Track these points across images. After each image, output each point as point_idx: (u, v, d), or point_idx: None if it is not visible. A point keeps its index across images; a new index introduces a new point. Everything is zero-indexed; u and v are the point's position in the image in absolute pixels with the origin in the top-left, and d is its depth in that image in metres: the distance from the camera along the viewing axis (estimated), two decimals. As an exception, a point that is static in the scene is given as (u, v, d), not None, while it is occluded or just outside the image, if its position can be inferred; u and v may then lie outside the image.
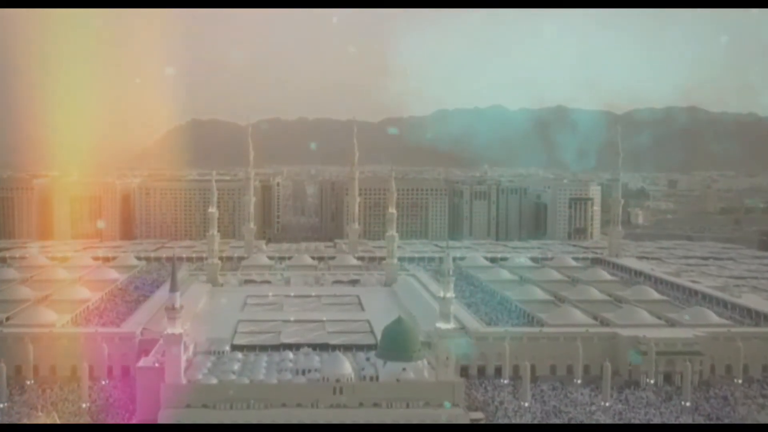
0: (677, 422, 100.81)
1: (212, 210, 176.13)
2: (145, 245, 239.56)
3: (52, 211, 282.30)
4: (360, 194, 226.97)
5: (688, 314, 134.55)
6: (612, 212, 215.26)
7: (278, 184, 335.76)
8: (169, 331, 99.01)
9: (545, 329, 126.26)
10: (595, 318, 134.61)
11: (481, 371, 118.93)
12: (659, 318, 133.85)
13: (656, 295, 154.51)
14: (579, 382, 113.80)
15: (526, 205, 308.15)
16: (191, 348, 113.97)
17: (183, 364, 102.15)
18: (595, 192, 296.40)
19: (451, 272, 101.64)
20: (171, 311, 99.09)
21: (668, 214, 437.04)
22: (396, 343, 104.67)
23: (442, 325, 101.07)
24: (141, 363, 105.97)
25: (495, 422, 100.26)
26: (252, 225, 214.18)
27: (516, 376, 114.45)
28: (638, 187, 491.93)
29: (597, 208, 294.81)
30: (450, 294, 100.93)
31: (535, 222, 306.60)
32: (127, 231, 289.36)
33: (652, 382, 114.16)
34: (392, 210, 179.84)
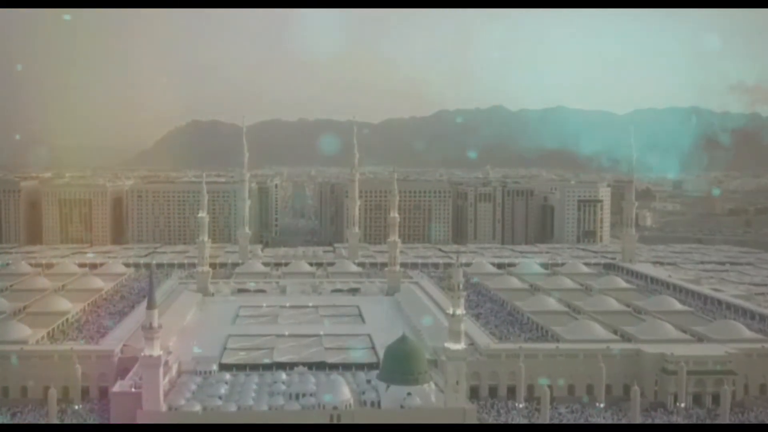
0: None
1: (202, 214, 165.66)
2: (137, 250, 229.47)
3: (41, 215, 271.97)
4: (360, 197, 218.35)
5: (716, 327, 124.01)
6: (625, 215, 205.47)
7: (276, 186, 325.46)
8: (147, 352, 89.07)
9: (562, 345, 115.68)
10: (615, 332, 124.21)
11: (493, 392, 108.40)
12: (684, 332, 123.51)
13: (679, 306, 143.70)
14: (602, 405, 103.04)
15: (532, 208, 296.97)
16: (175, 368, 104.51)
17: (163, 388, 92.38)
18: (604, 194, 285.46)
19: (461, 287, 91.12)
20: (148, 331, 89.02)
21: (676, 216, 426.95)
22: (400, 365, 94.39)
23: (451, 345, 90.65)
24: (116, 387, 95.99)
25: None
26: (247, 229, 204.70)
27: (531, 397, 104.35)
28: (643, 187, 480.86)
29: (607, 210, 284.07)
30: (460, 311, 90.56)
31: (542, 225, 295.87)
32: (119, 235, 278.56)
33: (682, 405, 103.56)
34: (394, 214, 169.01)
